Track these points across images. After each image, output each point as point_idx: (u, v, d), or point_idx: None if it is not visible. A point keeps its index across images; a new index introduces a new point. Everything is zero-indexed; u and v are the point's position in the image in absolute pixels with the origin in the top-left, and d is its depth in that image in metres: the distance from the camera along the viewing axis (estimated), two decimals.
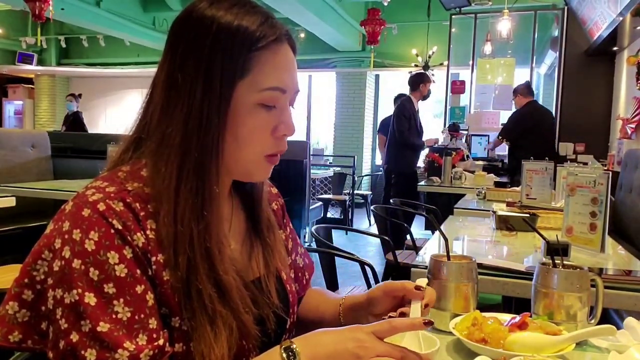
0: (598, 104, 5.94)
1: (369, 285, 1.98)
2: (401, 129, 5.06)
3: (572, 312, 0.91)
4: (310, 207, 5.12)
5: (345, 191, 7.37)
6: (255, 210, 0.85)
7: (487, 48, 6.62)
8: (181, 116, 0.69)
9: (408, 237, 3.17)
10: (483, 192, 2.95)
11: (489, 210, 2.14)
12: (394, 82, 9.60)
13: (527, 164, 2.48)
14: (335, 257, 2.06)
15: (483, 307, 0.95)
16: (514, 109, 5.67)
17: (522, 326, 0.82)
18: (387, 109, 8.57)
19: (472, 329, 0.83)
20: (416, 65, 8.17)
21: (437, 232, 1.50)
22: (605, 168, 4.45)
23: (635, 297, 1.18)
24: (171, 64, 0.71)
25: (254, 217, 0.85)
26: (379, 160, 9.36)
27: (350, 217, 7.14)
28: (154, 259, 0.66)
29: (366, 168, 9.76)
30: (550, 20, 6.92)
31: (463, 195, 3.29)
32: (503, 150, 5.93)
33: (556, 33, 6.56)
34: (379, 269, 3.16)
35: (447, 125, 6.01)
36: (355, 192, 7.33)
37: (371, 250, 5.63)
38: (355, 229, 4.93)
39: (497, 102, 6.59)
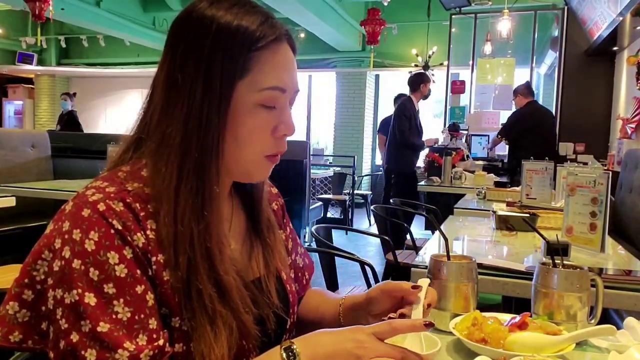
0: (598, 104, 5.94)
1: (369, 285, 1.98)
2: (402, 128, 5.06)
3: (572, 312, 0.91)
4: (310, 207, 5.12)
5: (345, 191, 7.36)
6: (256, 210, 0.85)
7: (487, 48, 6.62)
8: (181, 116, 0.69)
9: (408, 237, 3.17)
10: (483, 192, 2.95)
11: (489, 210, 2.14)
12: (394, 82, 9.59)
13: (527, 164, 2.48)
14: (335, 257, 2.06)
15: (483, 307, 0.95)
16: (514, 109, 5.67)
17: (522, 326, 0.82)
18: (387, 109, 8.57)
19: (472, 329, 0.83)
20: (416, 65, 8.16)
21: (437, 232, 1.50)
22: (605, 168, 4.44)
23: (635, 297, 1.18)
24: (171, 64, 0.71)
25: (254, 217, 0.85)
26: (379, 160, 9.35)
27: (350, 217, 7.14)
28: (154, 259, 0.66)
29: (366, 168, 9.76)
30: (550, 20, 6.92)
31: (463, 195, 3.28)
32: (503, 150, 5.93)
33: (556, 33, 6.57)
34: (379, 269, 3.16)
35: (447, 125, 6.01)
36: (355, 192, 7.33)
37: (371, 250, 5.62)
38: (355, 229, 4.93)
39: (497, 102, 6.60)
